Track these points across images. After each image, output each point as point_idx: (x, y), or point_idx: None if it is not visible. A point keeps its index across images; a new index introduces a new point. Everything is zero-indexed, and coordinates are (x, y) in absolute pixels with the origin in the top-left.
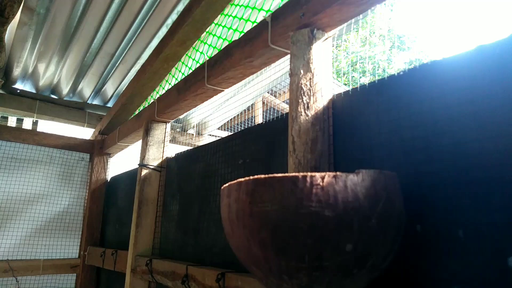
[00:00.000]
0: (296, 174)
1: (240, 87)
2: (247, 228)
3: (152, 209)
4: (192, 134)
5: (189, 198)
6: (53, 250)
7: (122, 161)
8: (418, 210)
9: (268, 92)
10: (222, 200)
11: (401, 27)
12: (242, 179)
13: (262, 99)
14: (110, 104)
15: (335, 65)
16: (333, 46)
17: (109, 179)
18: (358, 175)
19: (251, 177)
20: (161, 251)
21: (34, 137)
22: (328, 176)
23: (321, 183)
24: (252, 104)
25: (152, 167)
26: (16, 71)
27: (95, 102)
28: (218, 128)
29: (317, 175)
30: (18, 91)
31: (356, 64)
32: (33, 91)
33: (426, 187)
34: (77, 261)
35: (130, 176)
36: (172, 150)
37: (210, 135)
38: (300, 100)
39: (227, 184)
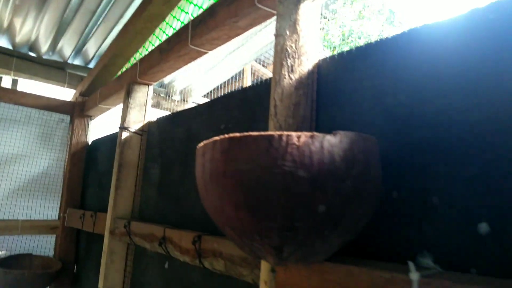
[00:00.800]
0: (272, 133)
1: (226, 54)
2: (221, 187)
3: (132, 173)
4: (177, 101)
5: (170, 163)
6: (32, 211)
7: (104, 124)
8: (395, 177)
9: (256, 61)
10: (197, 160)
11: (394, 1)
12: (218, 138)
13: (251, 68)
14: (92, 65)
15: (327, 39)
16: (326, 18)
17: (90, 142)
18: (335, 136)
19: (226, 136)
20: (141, 215)
21: (11, 96)
22: (304, 136)
23: (296, 143)
24: (240, 73)
25: (133, 130)
26: None
27: (76, 62)
28: (204, 96)
29: (293, 134)
30: None
31: (348, 38)
32: (10, 47)
33: (405, 155)
34: (57, 223)
35: (112, 140)
36: (156, 115)
37: (195, 102)
38: (284, 63)
39: (202, 143)
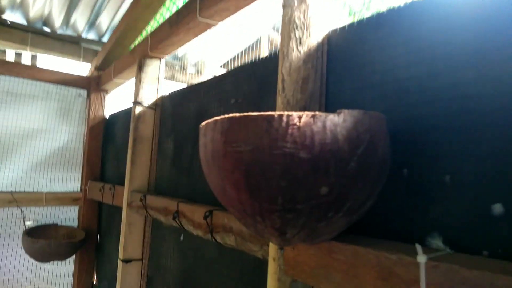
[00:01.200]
0: (272, 113)
1: (242, 23)
2: (222, 169)
3: (147, 147)
4: (192, 73)
5: (183, 138)
6: (55, 184)
7: (120, 98)
8: (406, 154)
9: (274, 30)
10: (200, 140)
11: None
12: (218, 118)
13: (268, 37)
14: (105, 39)
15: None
16: None
17: (107, 117)
18: (339, 116)
19: (227, 116)
20: (157, 188)
21: (28, 71)
22: (306, 116)
23: (297, 123)
24: (257, 42)
25: (146, 105)
26: (3, 0)
27: (90, 36)
28: (222, 67)
29: (294, 114)
30: (9, 22)
31: (355, 15)
32: (24, 23)
33: (417, 131)
34: (79, 195)
35: (128, 114)
36: (172, 88)
37: (212, 74)
38: (292, 35)
39: (204, 123)
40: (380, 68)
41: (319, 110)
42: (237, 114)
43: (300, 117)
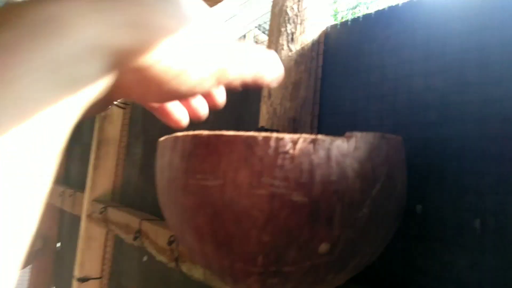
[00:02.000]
0: (255, 134)
1: (225, 20)
2: (180, 208)
3: (114, 150)
4: None
5: (153, 142)
6: None
7: None
8: (421, 186)
9: (259, 30)
10: (157, 159)
11: None
12: (180, 134)
13: (254, 38)
14: None
15: (334, 8)
16: None
17: None
18: (349, 141)
19: (191, 133)
20: (122, 198)
21: None
22: (303, 140)
23: (291, 151)
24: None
25: (115, 102)
26: None
27: None
28: None
29: (287, 137)
30: None
31: (356, 8)
32: None
33: (436, 156)
34: None
35: None
36: None
37: None
38: (282, 29)
39: (163, 138)
40: (392, 74)
41: (311, 122)
42: (205, 133)
43: (294, 142)
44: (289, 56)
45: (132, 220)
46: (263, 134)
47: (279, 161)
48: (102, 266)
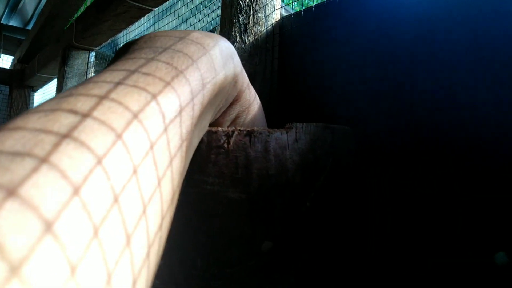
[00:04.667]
0: None
1: (184, 19)
2: None
3: None
4: None
5: None
6: None
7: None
8: (377, 178)
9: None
10: None
11: None
12: None
13: (215, 30)
14: (30, 27)
15: None
16: None
17: None
18: (289, 133)
19: None
20: None
21: None
22: (238, 133)
23: (225, 145)
24: None
25: None
26: None
27: (13, 23)
28: None
29: (220, 130)
30: None
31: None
32: None
33: (389, 143)
34: None
35: None
36: None
37: None
38: (235, 20)
39: None
40: (345, 64)
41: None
42: None
43: (229, 136)
44: (242, 48)
45: None
46: None
47: (212, 157)
48: None
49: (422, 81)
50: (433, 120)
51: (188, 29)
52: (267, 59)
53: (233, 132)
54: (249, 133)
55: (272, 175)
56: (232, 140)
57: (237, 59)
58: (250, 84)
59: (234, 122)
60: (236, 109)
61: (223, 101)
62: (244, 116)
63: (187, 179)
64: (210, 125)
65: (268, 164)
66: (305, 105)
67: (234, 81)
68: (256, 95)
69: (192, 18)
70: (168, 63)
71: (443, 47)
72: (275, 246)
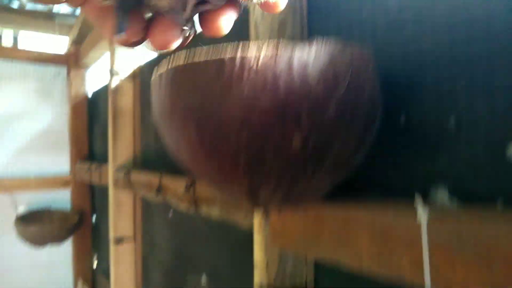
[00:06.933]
0: (222, 57)
1: None
2: (172, 128)
3: (129, 121)
4: None
5: None
6: (43, 167)
7: (103, 73)
8: (403, 97)
9: None
10: (151, 98)
11: None
12: (164, 70)
13: None
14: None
15: None
16: None
17: (91, 94)
18: (309, 51)
19: (172, 66)
20: (143, 163)
21: (1, 52)
22: (265, 55)
23: (255, 66)
24: None
25: (123, 75)
26: None
27: (64, 10)
28: None
29: (249, 55)
30: None
31: None
32: None
33: (415, 69)
34: (69, 177)
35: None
36: (151, 55)
37: None
38: None
39: (152, 79)
40: (370, 1)
41: None
42: (182, 62)
43: (258, 58)
44: None
45: (152, 177)
46: (230, 55)
47: (245, 75)
48: (134, 229)
49: (441, 6)
50: (452, 39)
51: None
52: (296, 3)
53: (259, 55)
54: (274, 55)
55: (296, 87)
56: (260, 61)
57: None
58: None
59: None
60: None
61: None
62: None
63: (226, 96)
64: None
65: (292, 78)
66: None
67: None
68: None
69: None
70: None
71: None
72: (303, 145)
